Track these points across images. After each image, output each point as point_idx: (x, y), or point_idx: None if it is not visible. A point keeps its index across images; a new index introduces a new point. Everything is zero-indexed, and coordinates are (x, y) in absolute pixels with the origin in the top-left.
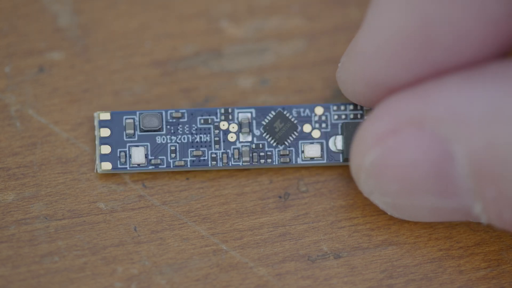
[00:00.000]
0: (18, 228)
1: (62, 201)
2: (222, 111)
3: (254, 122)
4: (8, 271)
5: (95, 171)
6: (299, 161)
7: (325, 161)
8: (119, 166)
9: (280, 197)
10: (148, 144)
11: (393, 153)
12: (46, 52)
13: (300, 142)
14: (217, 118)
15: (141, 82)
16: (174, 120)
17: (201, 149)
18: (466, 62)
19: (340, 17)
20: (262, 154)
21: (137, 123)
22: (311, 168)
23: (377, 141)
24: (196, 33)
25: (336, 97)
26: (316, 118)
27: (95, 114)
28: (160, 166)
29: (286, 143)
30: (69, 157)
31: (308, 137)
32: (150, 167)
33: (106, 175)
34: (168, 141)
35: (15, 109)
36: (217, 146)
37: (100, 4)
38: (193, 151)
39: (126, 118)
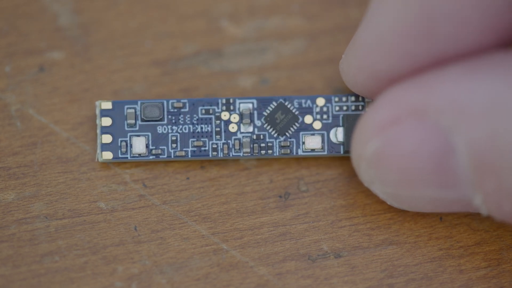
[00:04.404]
0: (19, 228)
1: (62, 200)
2: (224, 101)
3: (255, 112)
4: (8, 271)
5: (96, 160)
6: (300, 152)
7: (325, 153)
8: (120, 155)
9: (280, 196)
10: (149, 134)
11: (394, 143)
12: (46, 51)
13: (301, 133)
14: (218, 109)
15: (141, 81)
16: (175, 110)
17: (202, 139)
18: (466, 51)
19: (340, 16)
20: (263, 145)
21: (138, 112)
22: (311, 167)
23: (378, 131)
24: (196, 33)
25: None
26: (318, 109)
27: (97, 103)
28: (161, 156)
29: (287, 134)
30: (69, 156)
31: (309, 128)
32: (151, 157)
33: (107, 175)
34: (169, 131)
35: (16, 108)
36: (218, 137)
37: (100, 3)
38: (194, 141)
39: (127, 108)
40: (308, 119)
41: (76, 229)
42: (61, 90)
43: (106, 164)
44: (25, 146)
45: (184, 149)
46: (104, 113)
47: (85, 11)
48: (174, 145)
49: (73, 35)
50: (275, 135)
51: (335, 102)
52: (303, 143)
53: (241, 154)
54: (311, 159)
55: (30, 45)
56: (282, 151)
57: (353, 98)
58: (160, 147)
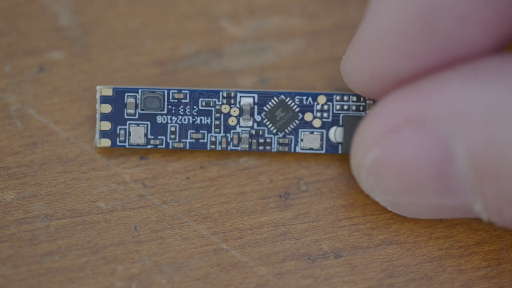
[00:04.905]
0: (19, 228)
1: (62, 200)
2: (225, 94)
3: (255, 107)
4: (8, 271)
5: (94, 145)
6: (298, 149)
7: (323, 151)
8: (118, 143)
9: (280, 196)
10: (149, 123)
11: (393, 152)
12: (46, 51)
13: (300, 130)
14: (219, 101)
15: (141, 81)
16: (176, 101)
17: (200, 131)
18: (468, 49)
19: (340, 16)
20: (261, 141)
21: (138, 101)
22: (311, 167)
23: (377, 140)
24: (196, 33)
25: None
26: (318, 107)
27: (98, 88)
28: (159, 146)
29: (286, 130)
30: (69, 156)
31: (308, 125)
32: (149, 147)
33: (107, 175)
34: (169, 121)
35: (16, 108)
36: (217, 130)
37: (100, 3)
38: (192, 133)
39: (128, 96)
40: (308, 116)
41: (76, 229)
42: (61, 90)
43: (106, 164)
44: (25, 146)
45: (182, 140)
46: (104, 99)
47: (85, 11)
48: (172, 136)
49: (73, 35)
50: (274, 131)
51: (336, 101)
52: (302, 140)
53: (239, 148)
54: (311, 159)
55: (30, 45)
56: (280, 148)
57: (354, 98)
58: (159, 137)
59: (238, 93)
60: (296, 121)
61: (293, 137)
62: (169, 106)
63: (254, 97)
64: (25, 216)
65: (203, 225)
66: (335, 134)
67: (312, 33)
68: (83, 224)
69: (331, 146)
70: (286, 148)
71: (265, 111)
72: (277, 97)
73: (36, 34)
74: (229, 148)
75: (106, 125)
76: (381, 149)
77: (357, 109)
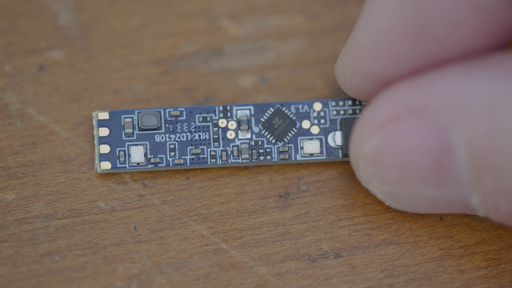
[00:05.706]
0: (19, 228)
1: (62, 200)
2: (221, 108)
3: (253, 119)
4: (8, 271)
5: (94, 170)
6: (299, 157)
7: (324, 157)
8: (118, 165)
9: (280, 196)
10: (147, 143)
11: (392, 141)
12: (46, 51)
13: (299, 138)
14: (215, 116)
15: (141, 81)
16: (172, 119)
17: (200, 147)
18: (461, 53)
19: (340, 15)
20: (261, 151)
21: (135, 122)
22: (311, 167)
23: (376, 129)
24: (196, 32)
25: (337, 96)
26: (315, 114)
27: (94, 114)
28: (159, 165)
29: (285, 139)
30: (69, 156)
31: (307, 133)
32: (150, 166)
33: (107, 174)
34: (167, 139)
35: (15, 108)
36: (216, 144)
37: (100, 2)
38: (192, 149)
39: (124, 117)
40: (305, 124)
41: (76, 229)
42: (61, 90)
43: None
44: (25, 146)
45: (182, 157)
46: (101, 123)
47: (85, 10)
48: (172, 154)
49: (73, 34)
50: (273, 140)
51: (332, 106)
52: (302, 148)
53: (239, 160)
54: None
55: (30, 44)
56: (281, 156)
57: (350, 102)
58: (159, 156)
59: (234, 106)
60: (294, 129)
61: (292, 145)
62: (167, 125)
63: (250, 109)
64: (25, 216)
65: (203, 225)
66: (334, 138)
67: (313, 33)
68: (83, 224)
69: (332, 151)
70: (287, 156)
71: (262, 121)
72: (273, 107)
73: (36, 34)
74: (229, 161)
75: (105, 148)
76: (381, 138)
77: (353, 113)
